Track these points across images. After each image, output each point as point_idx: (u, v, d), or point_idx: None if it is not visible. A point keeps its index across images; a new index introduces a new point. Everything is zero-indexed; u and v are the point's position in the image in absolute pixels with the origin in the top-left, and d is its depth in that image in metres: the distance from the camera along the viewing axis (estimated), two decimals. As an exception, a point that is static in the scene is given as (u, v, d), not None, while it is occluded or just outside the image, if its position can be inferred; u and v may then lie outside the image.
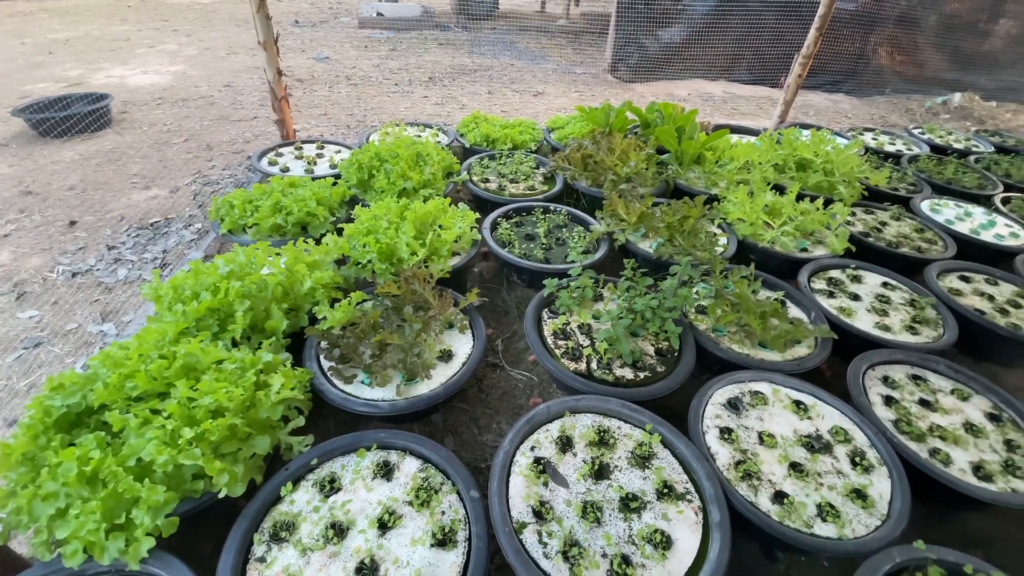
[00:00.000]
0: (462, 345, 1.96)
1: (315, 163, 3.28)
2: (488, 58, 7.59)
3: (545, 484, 1.49)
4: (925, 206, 3.30)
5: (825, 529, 1.44)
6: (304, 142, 3.57)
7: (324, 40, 8.35)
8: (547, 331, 2.06)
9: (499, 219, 2.76)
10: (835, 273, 2.59)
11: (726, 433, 1.69)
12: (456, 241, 2.45)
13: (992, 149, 4.54)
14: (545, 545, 1.33)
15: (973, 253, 2.90)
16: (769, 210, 2.91)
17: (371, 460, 1.54)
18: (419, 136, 3.75)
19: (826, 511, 1.47)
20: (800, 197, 3.18)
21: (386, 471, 1.51)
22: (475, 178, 3.22)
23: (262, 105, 5.21)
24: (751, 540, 1.64)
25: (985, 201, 3.52)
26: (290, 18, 9.95)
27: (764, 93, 6.75)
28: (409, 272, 2.07)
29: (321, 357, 1.86)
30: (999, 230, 3.12)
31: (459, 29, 9.60)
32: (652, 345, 2.03)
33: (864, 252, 2.82)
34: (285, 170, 3.19)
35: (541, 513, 1.41)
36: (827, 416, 1.78)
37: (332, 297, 2.08)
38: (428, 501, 1.43)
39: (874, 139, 4.55)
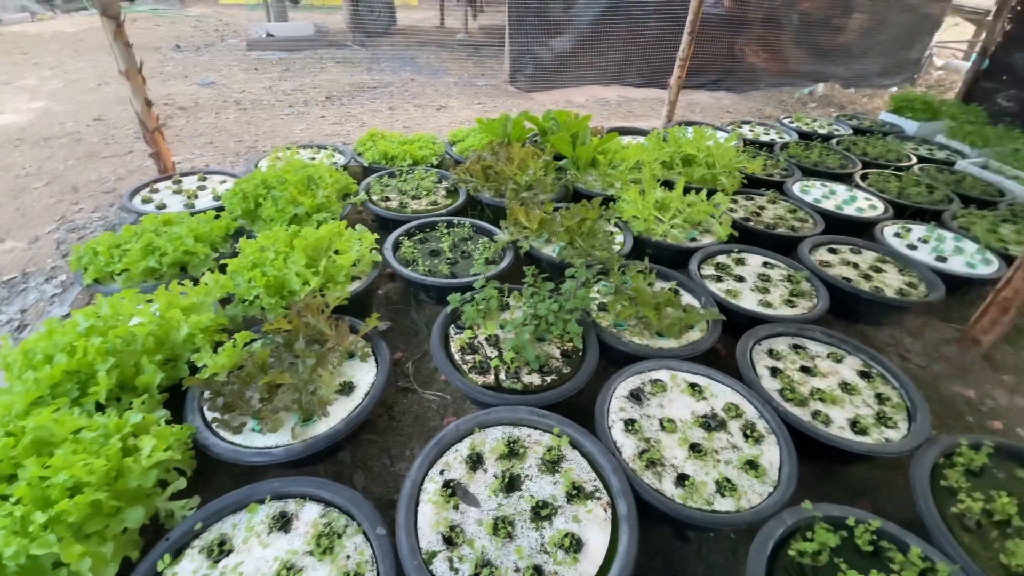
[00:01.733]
0: (364, 375, 1.88)
1: (196, 196, 3.05)
2: (388, 74, 7.48)
3: (456, 507, 1.45)
4: (796, 188, 3.63)
5: (724, 504, 1.51)
6: (184, 175, 3.31)
7: (209, 64, 7.86)
8: (454, 347, 2.03)
9: (401, 237, 2.70)
10: (722, 258, 2.77)
11: (630, 424, 1.74)
12: (355, 265, 2.37)
13: (851, 131, 5.10)
14: (456, 571, 1.29)
15: (839, 227, 3.22)
16: (660, 205, 3.06)
17: (266, 513, 1.43)
18: (313, 159, 3.60)
19: (724, 486, 1.55)
20: (687, 190, 3.38)
21: (284, 523, 1.41)
22: (375, 197, 3.13)
23: (138, 138, 4.79)
24: (663, 525, 1.69)
25: (847, 179, 3.93)
26: (170, 42, 9.28)
27: (655, 95, 7.16)
28: (301, 304, 1.96)
29: (205, 408, 1.71)
30: (860, 204, 3.49)
31: (356, 46, 9.41)
32: (558, 348, 2.06)
33: (746, 236, 3.05)
34: (162, 207, 2.94)
35: (451, 538, 1.37)
36: (720, 395, 1.88)
37: (216, 341, 1.92)
38: (331, 547, 1.35)
39: (751, 131, 4.95)
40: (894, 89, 8.70)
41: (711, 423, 1.77)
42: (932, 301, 2.50)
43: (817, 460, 1.92)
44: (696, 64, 7.61)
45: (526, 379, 1.89)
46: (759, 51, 7.73)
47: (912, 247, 2.97)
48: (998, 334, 2.41)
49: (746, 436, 1.72)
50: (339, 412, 1.73)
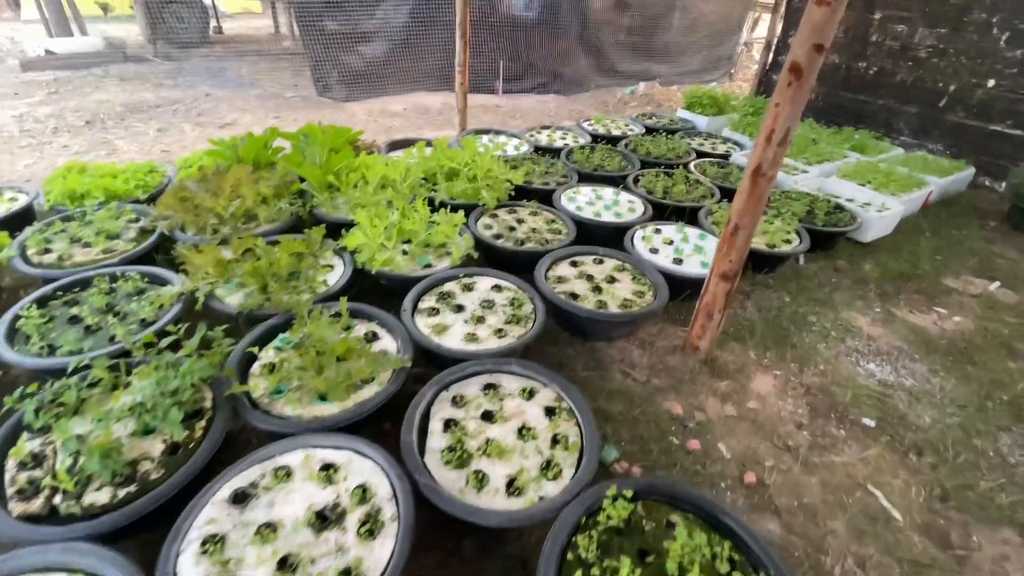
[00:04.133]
0: None
1: None
2: (181, 90, 6.60)
3: None
4: (563, 197, 3.47)
5: (286, 644, 1.17)
6: None
7: (-46, 89, 6.48)
8: (11, 463, 1.52)
9: (30, 305, 2.11)
10: (450, 285, 2.49)
11: (209, 543, 1.35)
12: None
13: (643, 131, 5.18)
14: None
15: (594, 235, 3.09)
16: (397, 229, 2.74)
17: None
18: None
19: (295, 617, 1.21)
20: (444, 207, 3.09)
21: None
22: (32, 251, 2.50)
23: None
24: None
25: (623, 181, 3.86)
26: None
27: (479, 101, 6.95)
28: None
29: None
30: (622, 207, 3.41)
31: (160, 60, 8.32)
32: (165, 442, 1.63)
33: (494, 255, 2.82)
34: None
35: None
36: (355, 473, 1.55)
37: None
38: None
39: (548, 136, 4.84)
40: (713, 84, 9.31)
41: (329, 515, 1.43)
42: (653, 310, 2.40)
43: (477, 535, 1.67)
44: (521, 68, 7.57)
45: (91, 497, 1.44)
46: (584, 53, 7.84)
47: (654, 251, 2.91)
48: (711, 339, 2.36)
49: (360, 530, 1.40)
50: None
